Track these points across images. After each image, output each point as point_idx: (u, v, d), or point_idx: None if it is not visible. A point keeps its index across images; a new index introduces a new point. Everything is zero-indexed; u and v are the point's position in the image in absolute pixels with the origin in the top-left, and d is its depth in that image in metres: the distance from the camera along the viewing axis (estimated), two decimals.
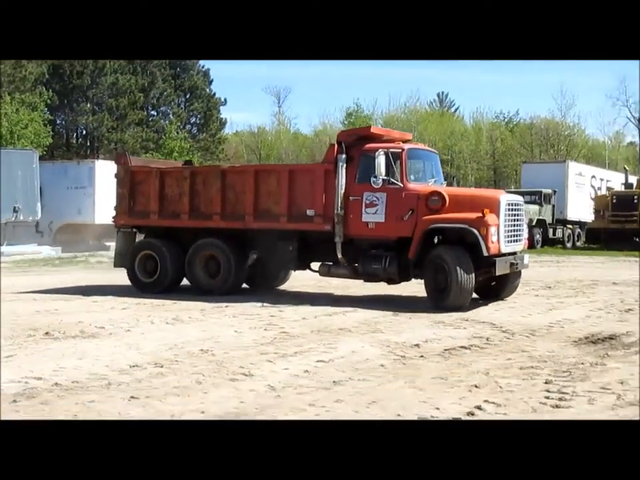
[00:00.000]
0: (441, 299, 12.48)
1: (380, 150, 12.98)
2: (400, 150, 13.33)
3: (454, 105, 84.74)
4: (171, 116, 61.23)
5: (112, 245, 30.07)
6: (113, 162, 32.06)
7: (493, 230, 12.16)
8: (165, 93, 60.64)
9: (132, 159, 17.37)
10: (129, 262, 15.79)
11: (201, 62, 64.70)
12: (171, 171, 16.36)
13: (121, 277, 19.29)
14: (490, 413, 6.54)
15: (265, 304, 13.23)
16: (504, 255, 12.74)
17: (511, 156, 67.90)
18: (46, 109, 50.13)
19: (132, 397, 7.02)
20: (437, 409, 6.66)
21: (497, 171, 71.04)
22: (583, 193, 34.47)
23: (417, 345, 9.68)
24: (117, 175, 16.36)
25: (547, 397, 7.09)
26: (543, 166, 38.69)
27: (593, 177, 36.96)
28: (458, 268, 12.15)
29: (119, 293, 15.33)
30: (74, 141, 59.67)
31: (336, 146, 13.55)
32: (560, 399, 6.99)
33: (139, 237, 16.47)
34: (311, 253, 14.29)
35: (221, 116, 66.95)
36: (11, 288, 16.21)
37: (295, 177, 14.30)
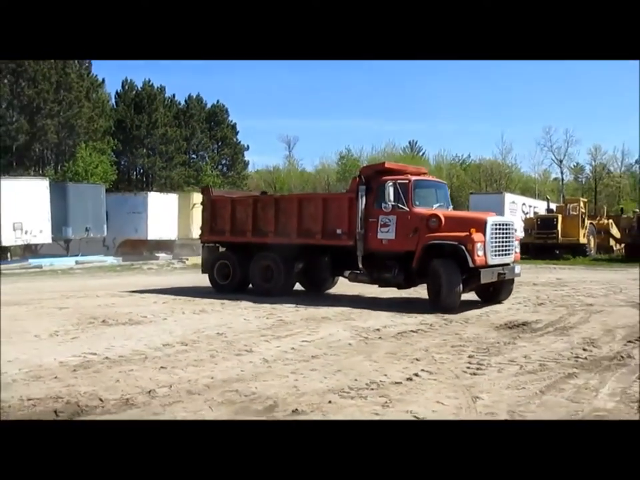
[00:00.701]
0: (436, 301, 11.85)
1: (389, 181, 12.58)
2: (407, 181, 12.72)
3: (422, 150, 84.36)
4: (206, 158, 61.09)
5: (161, 255, 30.60)
6: (165, 193, 32.54)
7: (478, 246, 11.48)
8: (203, 141, 60.67)
9: (213, 190, 17.30)
10: (209, 269, 15.59)
11: (230, 117, 65.02)
12: (240, 199, 16.03)
13: (163, 280, 19.53)
14: (424, 379, 6.67)
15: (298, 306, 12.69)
16: (492, 266, 11.89)
17: (464, 189, 67.50)
18: (112, 153, 50.56)
19: (161, 367, 7.15)
20: (385, 375, 6.81)
21: (453, 200, 70.34)
22: (515, 216, 34.26)
23: (378, 329, 9.76)
24: (202, 203, 16.26)
25: (468, 367, 7.22)
26: (485, 196, 38.40)
27: (524, 204, 36.95)
28: (447, 276, 11.59)
29: (161, 292, 15.35)
30: (134, 177, 59.65)
31: (357, 179, 13.30)
32: (477, 369, 7.14)
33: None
34: (342, 263, 13.64)
35: (245, 159, 66.86)
36: (82, 288, 16.41)
37: (327, 203, 13.93)
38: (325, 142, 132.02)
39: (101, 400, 5.77)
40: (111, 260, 27.85)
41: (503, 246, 12.26)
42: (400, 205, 12.49)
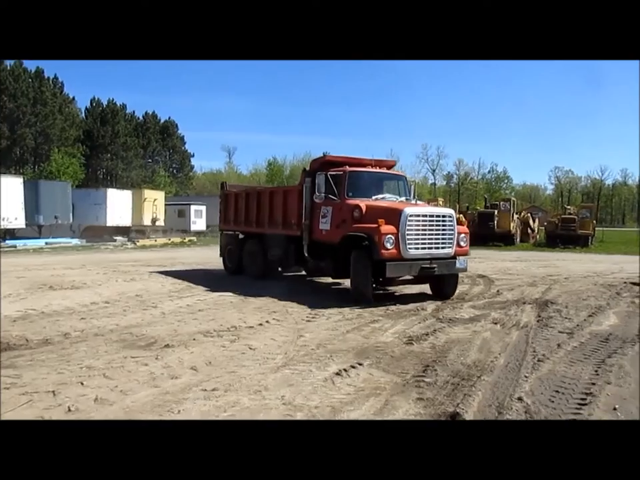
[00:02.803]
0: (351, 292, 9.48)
1: (320, 173, 10.23)
2: (341, 172, 10.13)
3: None
4: (160, 163, 59.93)
5: (118, 238, 30.22)
6: (123, 191, 31.64)
7: (387, 237, 8.73)
8: (157, 149, 59.45)
9: (228, 185, 14.98)
10: (223, 253, 14.06)
11: (179, 130, 63.77)
12: (239, 192, 13.92)
13: (114, 257, 19.36)
14: (272, 324, 7.23)
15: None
16: (411, 259, 8.98)
17: None
18: (82, 157, 48.98)
19: (82, 318, 7.45)
20: (245, 322, 7.31)
21: None
22: None
23: (255, 294, 9.91)
24: (220, 196, 14.55)
25: (307, 316, 7.81)
26: None
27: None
28: (355, 268, 9.16)
29: (105, 265, 15.20)
30: (100, 177, 57.87)
31: (303, 173, 11.01)
32: (313, 317, 7.72)
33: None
34: (301, 251, 10.85)
35: (191, 163, 66.17)
36: (44, 263, 16.16)
37: (285, 195, 11.63)
38: (257, 151, 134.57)
39: (26, 340, 6.13)
40: (75, 241, 27.34)
41: (430, 238, 9.25)
42: (331, 196, 10.12)
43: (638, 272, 14.84)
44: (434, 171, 79.80)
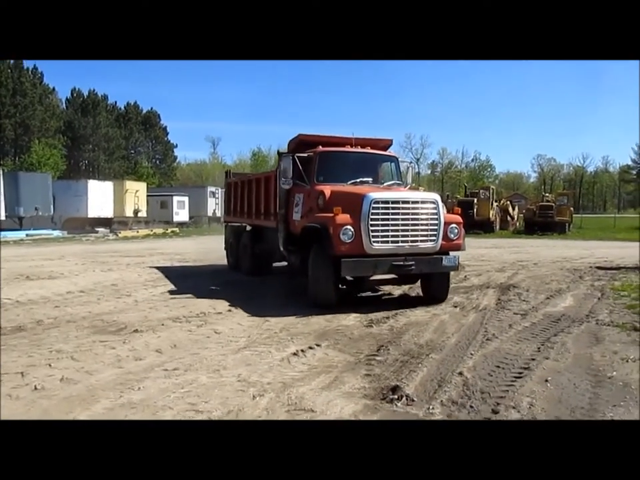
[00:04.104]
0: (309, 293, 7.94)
1: (286, 155, 8.68)
2: (311, 153, 8.70)
3: None
4: (142, 154, 59.86)
5: (100, 229, 30.28)
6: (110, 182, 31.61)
7: (344, 229, 7.22)
8: (139, 140, 59.42)
9: (232, 173, 14.28)
10: (226, 247, 13.26)
11: (162, 121, 63.48)
12: (237, 181, 12.73)
13: (92, 248, 19.46)
14: (240, 310, 7.45)
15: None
16: (378, 255, 7.41)
17: None
18: (63, 148, 48.72)
19: (56, 306, 7.67)
20: (214, 308, 7.57)
21: None
22: None
23: (229, 282, 10.40)
24: (224, 186, 13.91)
25: (276, 303, 8.07)
26: None
27: None
28: (312, 266, 7.72)
29: (85, 256, 15.36)
30: (83, 168, 57.57)
31: (279, 156, 9.09)
32: (282, 304, 8.03)
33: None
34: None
35: (175, 154, 66.09)
36: (24, 254, 16.30)
37: (266, 182, 10.23)
38: (242, 142, 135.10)
39: None
40: (56, 233, 27.44)
41: (405, 229, 7.58)
42: (297, 182, 8.71)
43: (605, 257, 15.36)
44: (418, 159, 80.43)
